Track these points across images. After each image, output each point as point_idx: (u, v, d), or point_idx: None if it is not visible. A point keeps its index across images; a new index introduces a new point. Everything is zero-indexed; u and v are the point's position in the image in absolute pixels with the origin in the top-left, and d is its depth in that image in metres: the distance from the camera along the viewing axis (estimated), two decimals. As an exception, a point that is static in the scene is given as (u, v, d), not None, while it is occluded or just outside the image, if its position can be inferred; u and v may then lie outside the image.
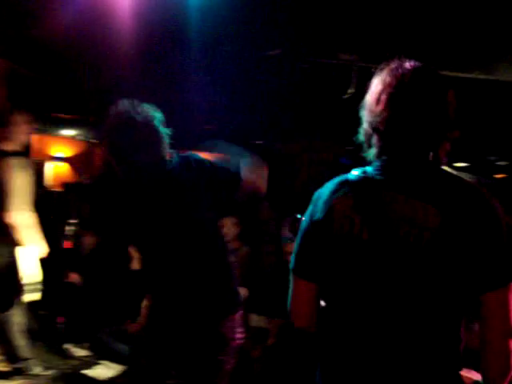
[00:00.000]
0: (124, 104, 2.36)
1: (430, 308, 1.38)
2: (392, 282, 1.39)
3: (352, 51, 4.71)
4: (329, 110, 6.76)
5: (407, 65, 1.50)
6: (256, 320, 4.35)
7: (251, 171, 2.46)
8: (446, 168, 1.50)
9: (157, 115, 2.38)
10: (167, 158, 2.40)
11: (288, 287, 1.66)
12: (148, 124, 2.33)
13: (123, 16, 4.35)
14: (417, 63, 1.51)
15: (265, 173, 2.58)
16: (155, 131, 2.35)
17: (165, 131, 2.39)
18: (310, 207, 1.58)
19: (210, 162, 2.42)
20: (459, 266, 1.35)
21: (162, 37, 4.95)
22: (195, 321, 2.37)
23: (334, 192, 1.51)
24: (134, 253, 4.25)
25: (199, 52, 4.92)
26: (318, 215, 1.52)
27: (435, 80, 1.48)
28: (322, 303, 1.59)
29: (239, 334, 2.44)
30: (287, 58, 5.06)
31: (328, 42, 4.70)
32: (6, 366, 4.04)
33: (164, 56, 5.38)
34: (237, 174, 2.41)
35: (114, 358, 4.44)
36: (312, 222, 1.55)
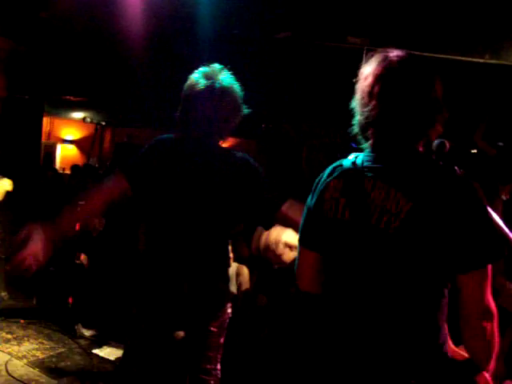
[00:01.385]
0: (204, 71, 2.35)
1: (402, 287, 1.47)
2: (367, 263, 1.50)
3: (362, 35, 4.68)
4: (339, 94, 6.72)
5: (394, 54, 1.55)
6: (261, 299, 4.38)
7: (291, 209, 2.39)
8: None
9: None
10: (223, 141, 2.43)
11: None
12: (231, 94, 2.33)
13: (131, 2, 4.34)
14: (403, 52, 1.57)
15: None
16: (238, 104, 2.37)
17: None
18: (314, 186, 1.74)
19: (262, 176, 2.41)
20: (428, 251, 1.42)
21: (171, 19, 4.94)
22: (181, 314, 2.38)
23: (329, 175, 1.67)
24: (141, 234, 4.27)
25: (209, 37, 4.90)
26: (316, 195, 1.69)
27: (421, 67, 1.54)
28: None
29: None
30: (297, 41, 5.03)
31: (337, 25, 4.67)
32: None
33: (173, 39, 5.37)
34: (278, 202, 2.40)
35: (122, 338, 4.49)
36: (312, 200, 1.72)
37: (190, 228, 2.34)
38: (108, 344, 4.60)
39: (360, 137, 1.63)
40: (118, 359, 4.27)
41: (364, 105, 1.56)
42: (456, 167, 1.66)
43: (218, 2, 4.23)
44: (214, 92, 2.29)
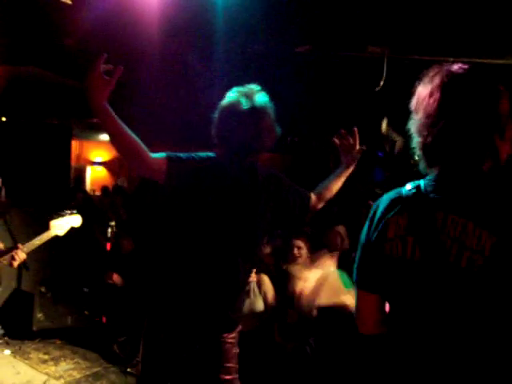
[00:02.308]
0: (242, 91, 2.40)
1: (487, 329, 1.34)
2: (448, 304, 1.36)
3: (382, 43, 4.68)
4: (361, 103, 6.71)
5: (458, 67, 1.46)
6: (294, 316, 4.35)
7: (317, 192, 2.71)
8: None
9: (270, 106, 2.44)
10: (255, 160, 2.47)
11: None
12: (265, 112, 2.38)
13: (151, 21, 4.42)
14: (463, 64, 1.46)
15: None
16: (271, 122, 2.41)
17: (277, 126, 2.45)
18: (367, 222, 1.59)
19: (288, 184, 2.56)
20: None
21: (190, 39, 5.01)
22: (200, 325, 2.41)
23: (388, 209, 1.51)
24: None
25: (229, 51, 4.96)
26: (374, 232, 1.53)
27: (489, 77, 1.44)
28: (387, 308, 1.60)
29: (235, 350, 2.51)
30: (317, 53, 5.05)
31: (357, 35, 4.68)
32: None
33: (193, 57, 5.44)
34: (307, 201, 2.64)
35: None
36: (368, 239, 1.56)
37: (225, 246, 2.37)
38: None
39: (422, 161, 1.49)
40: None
41: (431, 124, 1.43)
42: None
43: (237, 18, 4.28)
44: (255, 113, 2.34)
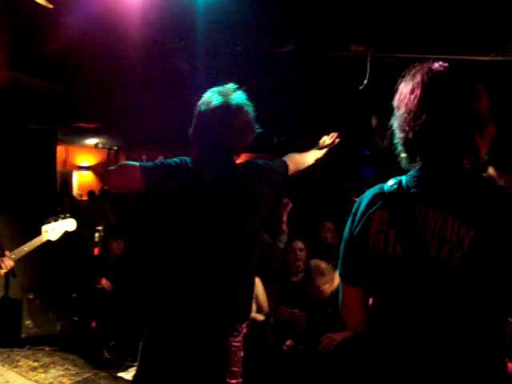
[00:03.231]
0: (218, 90, 2.42)
1: (467, 320, 1.37)
2: (428, 297, 1.40)
3: (365, 42, 4.70)
4: (346, 102, 6.74)
5: (439, 64, 1.49)
6: (284, 313, 4.36)
7: (292, 161, 2.72)
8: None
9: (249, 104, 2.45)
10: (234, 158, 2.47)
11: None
12: (242, 111, 2.40)
13: (134, 24, 4.41)
14: (444, 62, 1.49)
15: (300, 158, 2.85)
16: (249, 120, 2.43)
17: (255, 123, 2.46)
18: (350, 217, 1.61)
19: (267, 165, 2.54)
20: (495, 281, 1.32)
21: (173, 41, 5.00)
22: (202, 326, 2.40)
23: (371, 205, 1.54)
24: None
25: (211, 52, 4.96)
26: (356, 227, 1.56)
27: (469, 74, 1.47)
28: (371, 301, 1.63)
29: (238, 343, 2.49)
30: (300, 53, 5.06)
31: (340, 34, 4.70)
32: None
33: (176, 58, 5.43)
34: (285, 165, 2.65)
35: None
36: (351, 234, 1.59)
37: (212, 246, 2.37)
38: (133, 367, 4.61)
39: (404, 156, 1.52)
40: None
41: (412, 119, 1.45)
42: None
43: (220, 18, 4.29)
44: (229, 110, 2.35)
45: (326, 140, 3.12)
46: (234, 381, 2.44)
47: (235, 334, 2.44)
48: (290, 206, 5.18)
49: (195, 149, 2.45)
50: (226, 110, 2.35)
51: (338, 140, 3.13)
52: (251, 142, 2.48)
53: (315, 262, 4.10)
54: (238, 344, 2.45)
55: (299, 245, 4.60)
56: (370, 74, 4.60)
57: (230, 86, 2.44)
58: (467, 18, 4.30)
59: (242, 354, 2.50)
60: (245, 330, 2.51)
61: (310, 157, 2.94)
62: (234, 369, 2.45)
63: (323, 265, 3.99)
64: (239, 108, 2.38)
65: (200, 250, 2.38)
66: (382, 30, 4.59)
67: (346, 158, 9.50)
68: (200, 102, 2.43)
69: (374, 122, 5.83)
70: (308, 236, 5.12)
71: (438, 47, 4.40)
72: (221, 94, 2.39)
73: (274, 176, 2.54)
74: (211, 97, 2.40)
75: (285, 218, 5.22)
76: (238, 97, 2.41)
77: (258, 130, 2.47)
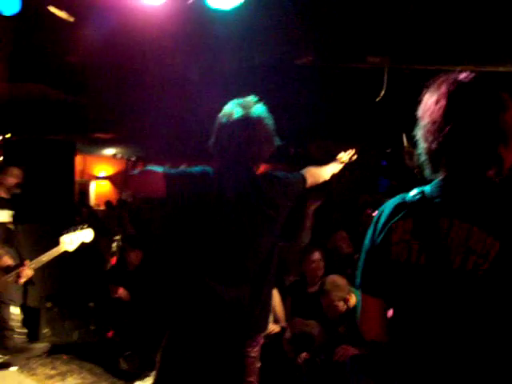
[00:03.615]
0: (239, 102, 2.45)
1: (487, 333, 1.35)
2: (452, 308, 1.38)
3: (382, 53, 4.70)
4: (363, 114, 6.74)
5: (463, 76, 1.48)
6: (300, 325, 4.35)
7: (310, 174, 2.73)
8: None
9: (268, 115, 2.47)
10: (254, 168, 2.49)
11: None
12: (262, 122, 2.42)
13: (153, 36, 4.46)
14: (469, 72, 1.48)
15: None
16: (268, 130, 2.45)
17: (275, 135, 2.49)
18: (372, 227, 1.60)
19: (286, 177, 2.55)
20: None
21: (192, 53, 5.05)
22: (221, 337, 2.40)
23: (393, 215, 1.52)
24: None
25: (229, 63, 5.00)
26: (378, 238, 1.54)
27: (494, 85, 1.46)
28: (389, 313, 1.61)
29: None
30: (317, 65, 5.08)
31: (356, 46, 4.71)
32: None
33: (195, 72, 5.48)
34: (303, 178, 2.66)
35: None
36: (372, 244, 1.57)
37: (233, 256, 2.38)
38: (150, 376, 4.61)
39: (427, 166, 1.51)
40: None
41: (437, 130, 1.44)
42: None
43: (238, 31, 4.32)
44: (250, 123, 2.38)
45: (344, 156, 3.13)
46: None
47: (253, 344, 2.44)
48: (321, 201, 4.74)
49: (216, 160, 2.47)
50: (247, 122, 2.38)
51: (355, 157, 3.15)
52: (271, 153, 2.50)
53: (332, 277, 4.07)
54: (255, 355, 2.45)
55: (317, 255, 4.58)
56: (387, 85, 4.60)
57: (251, 98, 2.47)
58: (486, 28, 4.28)
59: (258, 365, 2.50)
60: (262, 341, 2.51)
61: (328, 171, 2.95)
62: (251, 379, 2.45)
63: (340, 281, 3.96)
64: (260, 120, 2.41)
65: (220, 261, 2.39)
66: (398, 41, 4.59)
67: (363, 169, 9.49)
68: (221, 114, 2.46)
69: (404, 140, 5.79)
70: (323, 246, 5.10)
71: (456, 58, 4.38)
72: (241, 106, 2.42)
73: (293, 188, 2.56)
74: (232, 109, 2.43)
75: (311, 211, 4.79)
76: (258, 109, 2.43)
77: (277, 143, 2.50)
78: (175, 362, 2.43)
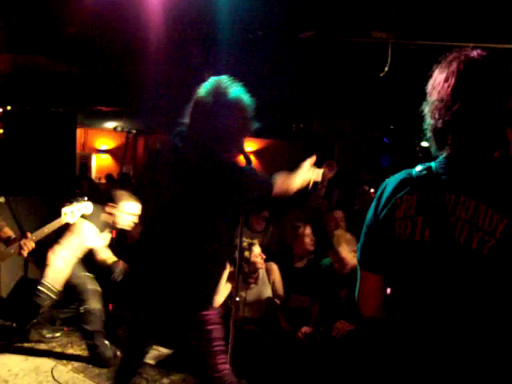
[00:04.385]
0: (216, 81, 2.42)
1: (490, 309, 1.36)
2: (456, 286, 1.37)
3: (386, 28, 4.64)
4: (366, 89, 6.69)
5: (476, 53, 1.46)
6: (296, 300, 4.38)
7: (282, 182, 2.66)
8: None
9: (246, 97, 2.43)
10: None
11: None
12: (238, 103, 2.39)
13: (153, 7, 4.41)
14: (481, 50, 1.46)
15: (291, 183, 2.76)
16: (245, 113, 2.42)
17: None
18: (374, 201, 1.58)
19: (250, 174, 2.52)
20: None
21: (192, 26, 4.99)
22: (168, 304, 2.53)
23: (398, 190, 1.50)
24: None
25: (232, 38, 4.94)
26: (382, 212, 1.52)
27: (504, 71, 1.43)
28: (388, 290, 1.60)
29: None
30: (322, 39, 5.02)
31: (361, 20, 4.65)
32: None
33: (196, 43, 5.43)
34: (271, 185, 2.58)
35: (161, 342, 4.55)
36: (375, 218, 1.55)
37: (167, 232, 2.46)
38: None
39: (432, 143, 1.50)
40: (158, 362, 4.34)
41: (445, 107, 1.43)
42: None
43: (240, 5, 4.26)
44: (221, 105, 2.35)
45: (326, 172, 3.16)
46: (216, 374, 2.43)
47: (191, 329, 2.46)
48: (335, 170, 4.39)
49: (185, 135, 2.48)
50: (218, 104, 2.35)
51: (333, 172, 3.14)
52: (244, 137, 2.48)
53: (340, 231, 4.09)
54: (195, 342, 2.45)
55: (308, 230, 4.60)
56: (391, 60, 4.54)
57: (225, 78, 2.42)
58: (490, 4, 4.22)
59: (214, 346, 2.45)
60: (210, 323, 2.46)
61: (298, 180, 2.80)
62: (211, 361, 2.44)
63: (348, 235, 3.98)
64: (233, 103, 2.36)
65: (159, 232, 2.51)
66: (403, 16, 4.53)
67: (366, 145, 9.45)
68: (196, 93, 2.43)
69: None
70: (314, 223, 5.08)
71: (461, 34, 4.33)
72: (216, 86, 2.38)
73: (251, 187, 2.48)
74: (206, 89, 2.40)
75: (326, 181, 4.57)
76: (234, 90, 2.39)
77: (255, 126, 2.45)
78: (135, 321, 2.74)
